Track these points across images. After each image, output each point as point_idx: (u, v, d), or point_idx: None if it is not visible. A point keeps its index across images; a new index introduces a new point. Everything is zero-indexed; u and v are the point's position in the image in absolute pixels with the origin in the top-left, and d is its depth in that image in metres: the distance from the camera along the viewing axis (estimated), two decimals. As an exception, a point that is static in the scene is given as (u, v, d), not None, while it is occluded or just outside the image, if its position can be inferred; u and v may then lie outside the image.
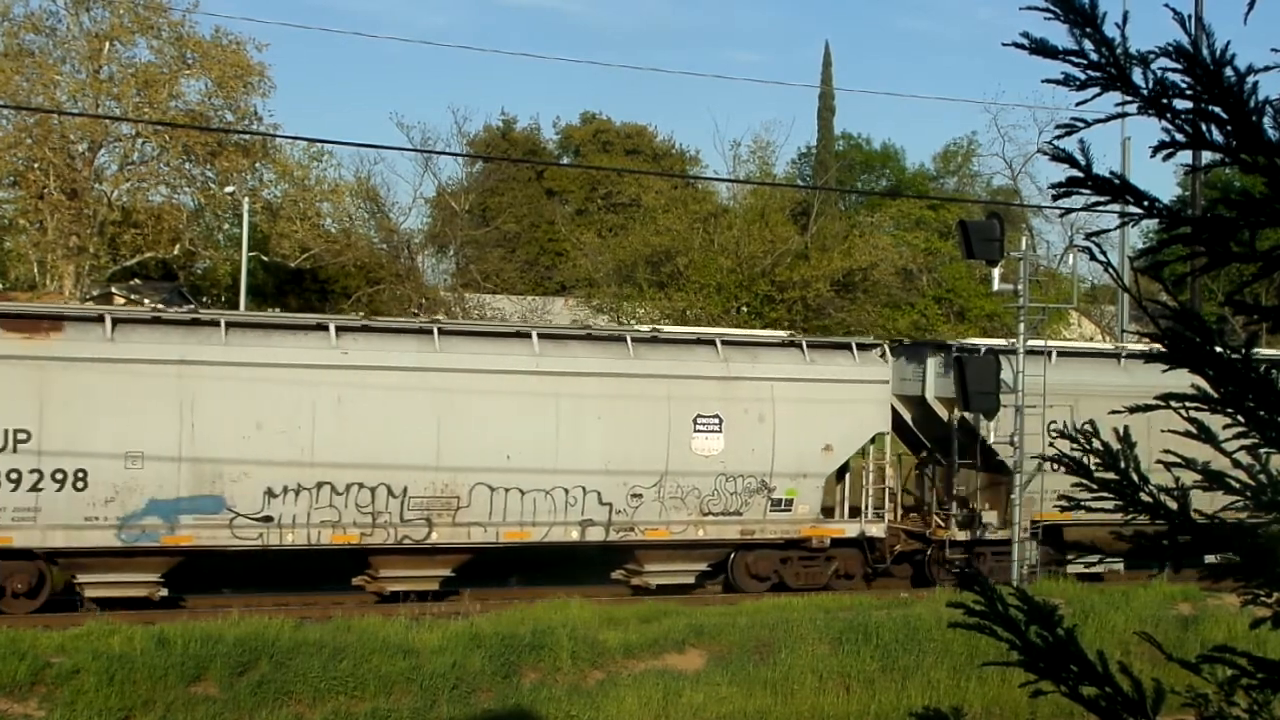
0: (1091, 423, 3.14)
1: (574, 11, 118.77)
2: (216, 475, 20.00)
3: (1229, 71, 2.61)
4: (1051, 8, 2.70)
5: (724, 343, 23.20)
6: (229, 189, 43.36)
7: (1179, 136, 2.69)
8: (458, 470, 21.04)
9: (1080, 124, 2.80)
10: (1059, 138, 2.80)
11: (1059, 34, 2.72)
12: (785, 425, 22.62)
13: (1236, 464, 2.81)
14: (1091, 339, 46.38)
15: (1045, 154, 2.90)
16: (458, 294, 49.61)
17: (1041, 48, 2.72)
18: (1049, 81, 2.76)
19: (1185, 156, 2.84)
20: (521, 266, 55.43)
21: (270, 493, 20.26)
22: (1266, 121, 2.62)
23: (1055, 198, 2.90)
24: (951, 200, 50.83)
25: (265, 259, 47.22)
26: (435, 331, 21.66)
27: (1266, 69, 2.68)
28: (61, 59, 42.28)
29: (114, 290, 43.94)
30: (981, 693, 17.71)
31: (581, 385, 21.68)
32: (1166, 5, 2.75)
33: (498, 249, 54.14)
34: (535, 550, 22.58)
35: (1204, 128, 2.66)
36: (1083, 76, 2.71)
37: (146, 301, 39.38)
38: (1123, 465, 2.92)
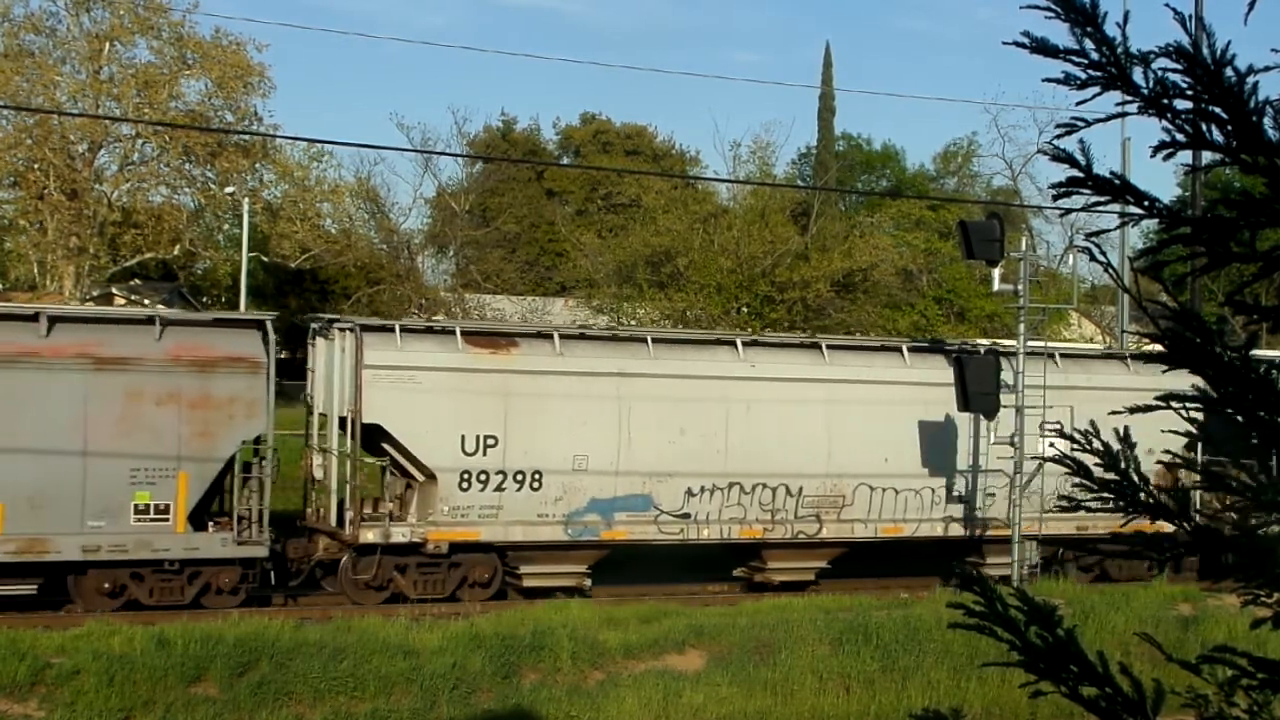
0: (1092, 423, 3.14)
1: (573, 11, 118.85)
2: (646, 476, 22.00)
3: (1229, 72, 2.61)
4: (1052, 7, 2.70)
5: (1063, 356, 24.93)
6: (229, 189, 43.38)
7: (1179, 136, 2.69)
8: (844, 473, 22.94)
9: (1080, 124, 2.80)
10: (1059, 137, 2.80)
11: (1059, 33, 2.72)
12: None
13: (1237, 464, 2.81)
14: (1091, 339, 46.39)
15: (1045, 154, 2.90)
16: (458, 294, 49.62)
17: (1042, 47, 2.72)
18: (1049, 81, 2.76)
19: (1185, 157, 2.84)
20: (521, 267, 55.47)
21: (690, 492, 22.20)
22: (1266, 122, 2.62)
23: (1055, 198, 2.90)
24: (951, 200, 50.84)
25: (265, 259, 47.26)
26: (823, 346, 23.67)
27: (1267, 69, 2.68)
28: (61, 59, 42.33)
29: (114, 290, 43.96)
30: (981, 693, 17.71)
31: (947, 394, 22.64)
32: (1167, 5, 2.75)
33: (498, 249, 54.18)
34: (906, 544, 23.90)
35: (1204, 128, 2.66)
36: (1083, 76, 2.71)
37: (147, 302, 39.42)
38: (1123, 465, 2.92)
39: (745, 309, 43.71)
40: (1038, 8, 2.72)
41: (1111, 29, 2.71)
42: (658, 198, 47.05)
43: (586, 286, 48.88)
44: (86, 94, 41.57)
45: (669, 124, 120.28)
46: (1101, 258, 2.99)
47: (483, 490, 20.98)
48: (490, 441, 20.97)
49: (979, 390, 22.08)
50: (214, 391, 19.84)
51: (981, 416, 22.92)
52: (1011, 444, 22.55)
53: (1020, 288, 23.28)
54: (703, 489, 22.24)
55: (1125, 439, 2.95)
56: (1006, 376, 22.92)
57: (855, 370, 23.29)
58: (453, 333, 21.57)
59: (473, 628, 17.93)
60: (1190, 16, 2.69)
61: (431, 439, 20.84)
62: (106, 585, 19.58)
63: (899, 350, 24.08)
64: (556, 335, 22.11)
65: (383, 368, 20.64)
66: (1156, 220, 2.80)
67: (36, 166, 40.80)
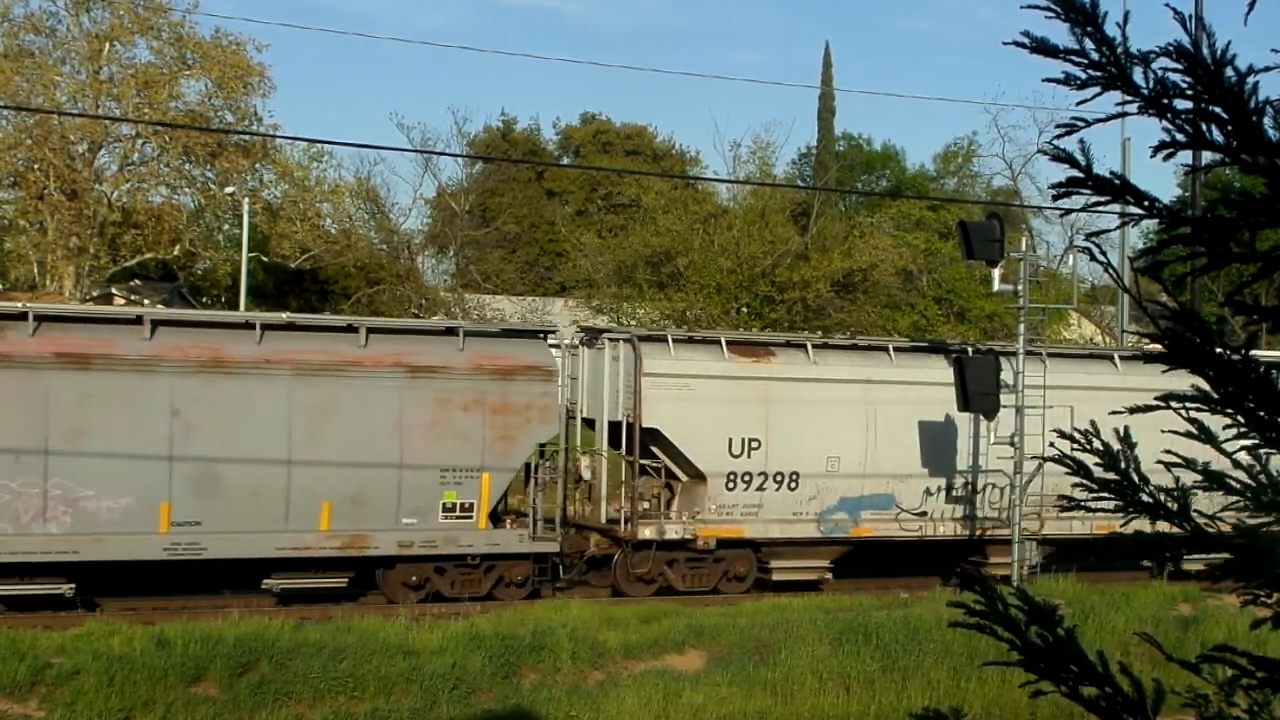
0: (1093, 423, 3.14)
1: (573, 11, 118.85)
2: (890, 477, 23.50)
3: (1229, 71, 2.61)
4: (1052, 7, 2.70)
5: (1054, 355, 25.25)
6: (229, 189, 43.36)
7: (1179, 136, 2.69)
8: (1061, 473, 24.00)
9: (1080, 124, 2.80)
10: (1059, 137, 2.80)
11: (1059, 33, 2.72)
12: None
13: (1236, 464, 2.81)
14: (1091, 339, 46.39)
15: (1045, 154, 2.90)
16: (457, 294, 49.61)
17: (1042, 47, 2.72)
18: (1049, 81, 2.76)
19: (1185, 157, 2.83)
20: (521, 267, 55.45)
21: (928, 491, 23.76)
22: (1267, 122, 2.62)
23: (1055, 198, 2.90)
24: (951, 201, 50.83)
25: (265, 259, 47.23)
26: (1044, 354, 24.34)
27: (1267, 69, 2.68)
28: (61, 59, 42.31)
29: (114, 291, 43.95)
30: (981, 693, 17.71)
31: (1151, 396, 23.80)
32: (1167, 5, 2.75)
33: (498, 249, 54.17)
34: (1115, 540, 25.08)
35: (1204, 128, 2.66)
36: (1083, 76, 2.71)
37: (147, 302, 39.42)
38: (1123, 465, 2.92)
39: (745, 309, 43.71)
40: (1038, 8, 2.72)
41: (1111, 29, 2.71)
42: (658, 198, 47.04)
43: (586, 286, 48.87)
44: (86, 94, 41.56)
45: (669, 124, 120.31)
46: (1101, 258, 2.99)
47: (745, 490, 22.60)
48: (754, 444, 22.58)
49: (979, 390, 22.08)
50: (512, 398, 21.26)
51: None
52: (1011, 443, 22.54)
53: (1020, 288, 23.29)
54: (939, 489, 23.76)
55: (1125, 439, 2.95)
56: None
57: (1074, 377, 24.01)
58: (717, 342, 23.28)
59: (472, 628, 17.93)
60: (1190, 16, 2.69)
61: (703, 442, 22.40)
62: (413, 578, 21.08)
63: (1110, 358, 25.18)
64: (809, 345, 23.68)
65: (660, 376, 22.19)
66: (1156, 220, 2.80)
67: (36, 166, 40.78)
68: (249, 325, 20.71)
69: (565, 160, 66.14)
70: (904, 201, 53.96)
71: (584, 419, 23.79)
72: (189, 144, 42.04)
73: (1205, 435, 2.87)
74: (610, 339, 23.42)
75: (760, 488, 22.66)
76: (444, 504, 20.85)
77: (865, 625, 18.90)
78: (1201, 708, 3.07)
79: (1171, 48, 2.64)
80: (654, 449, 22.63)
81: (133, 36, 42.19)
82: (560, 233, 53.90)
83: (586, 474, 23.61)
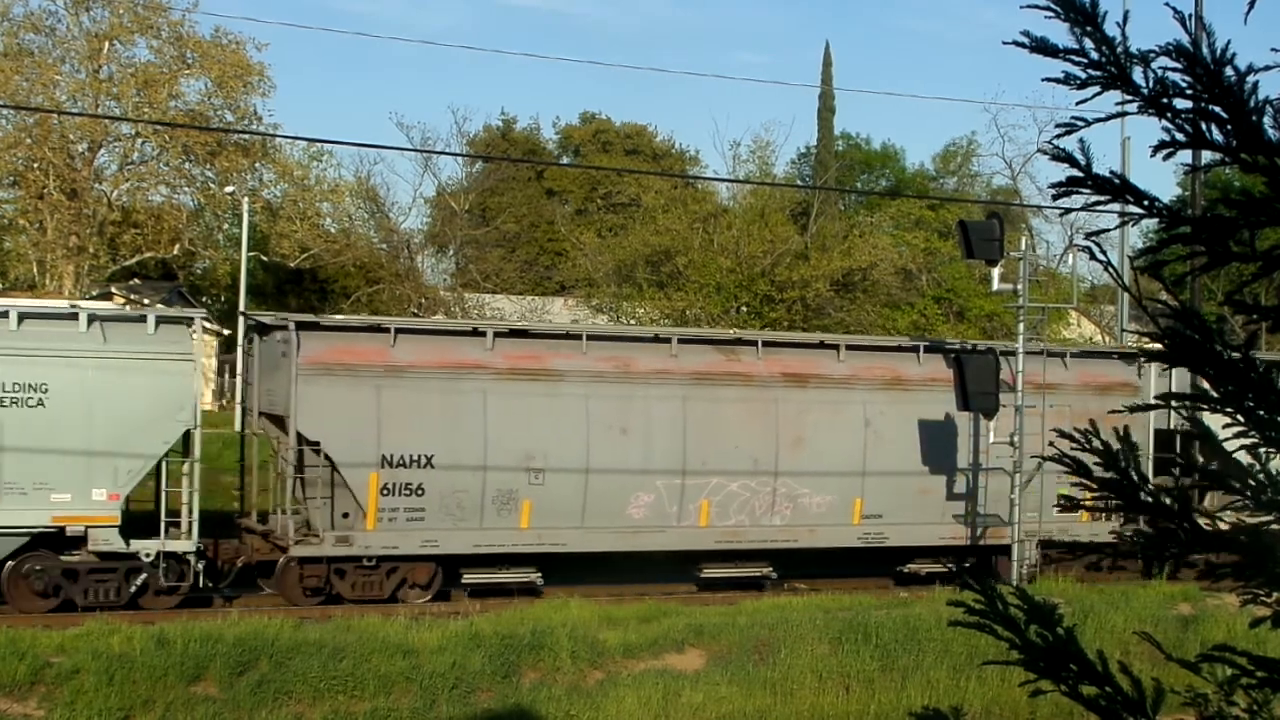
0: (1092, 422, 3.14)
1: (574, 11, 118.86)
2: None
3: (1229, 71, 2.61)
4: (1052, 6, 2.70)
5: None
6: (229, 189, 43.36)
7: (1179, 136, 2.69)
8: None
9: (1080, 123, 2.80)
10: (1059, 137, 2.80)
11: (1059, 33, 2.72)
12: None
13: (1236, 464, 2.81)
14: (1091, 339, 46.39)
15: (1045, 153, 2.90)
16: (457, 294, 49.62)
17: (1042, 46, 2.72)
18: (1049, 80, 2.75)
19: (1185, 156, 2.83)
20: (521, 266, 55.44)
21: None
22: (1266, 121, 2.62)
23: (1055, 197, 2.90)
24: (951, 200, 50.83)
25: (265, 259, 47.24)
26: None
27: (1267, 69, 2.68)
28: (61, 59, 42.33)
29: (114, 290, 43.95)
30: (981, 692, 17.70)
31: None
32: (1167, 4, 2.75)
33: (497, 249, 54.17)
34: None
35: (1204, 127, 2.66)
36: (1083, 75, 2.71)
37: (147, 301, 39.42)
38: (1123, 464, 2.92)
39: (745, 308, 43.71)
40: (1038, 7, 2.72)
41: (1111, 28, 2.71)
42: (657, 197, 47.05)
43: (586, 286, 48.88)
44: (86, 93, 41.56)
45: (669, 124, 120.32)
46: (1101, 257, 2.99)
47: None
48: None
49: (979, 389, 22.08)
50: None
51: None
52: (1011, 443, 22.55)
53: (1020, 287, 23.27)
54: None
55: (1125, 438, 2.95)
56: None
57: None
58: None
59: (472, 627, 17.91)
60: (1190, 16, 2.69)
61: None
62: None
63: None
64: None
65: None
66: (1156, 220, 2.80)
67: (36, 166, 40.78)
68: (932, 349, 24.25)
69: (565, 160, 66.13)
70: (903, 201, 53.97)
71: None
72: (189, 143, 42.03)
73: (1204, 434, 2.87)
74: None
75: None
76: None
77: (865, 624, 18.88)
78: (1201, 707, 3.07)
79: (1171, 47, 2.64)
80: None
81: (132, 36, 42.20)
82: (560, 232, 53.91)
83: None
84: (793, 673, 17.79)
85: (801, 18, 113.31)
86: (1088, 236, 4.61)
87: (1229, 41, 2.62)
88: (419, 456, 20.68)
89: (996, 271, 24.94)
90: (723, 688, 17.41)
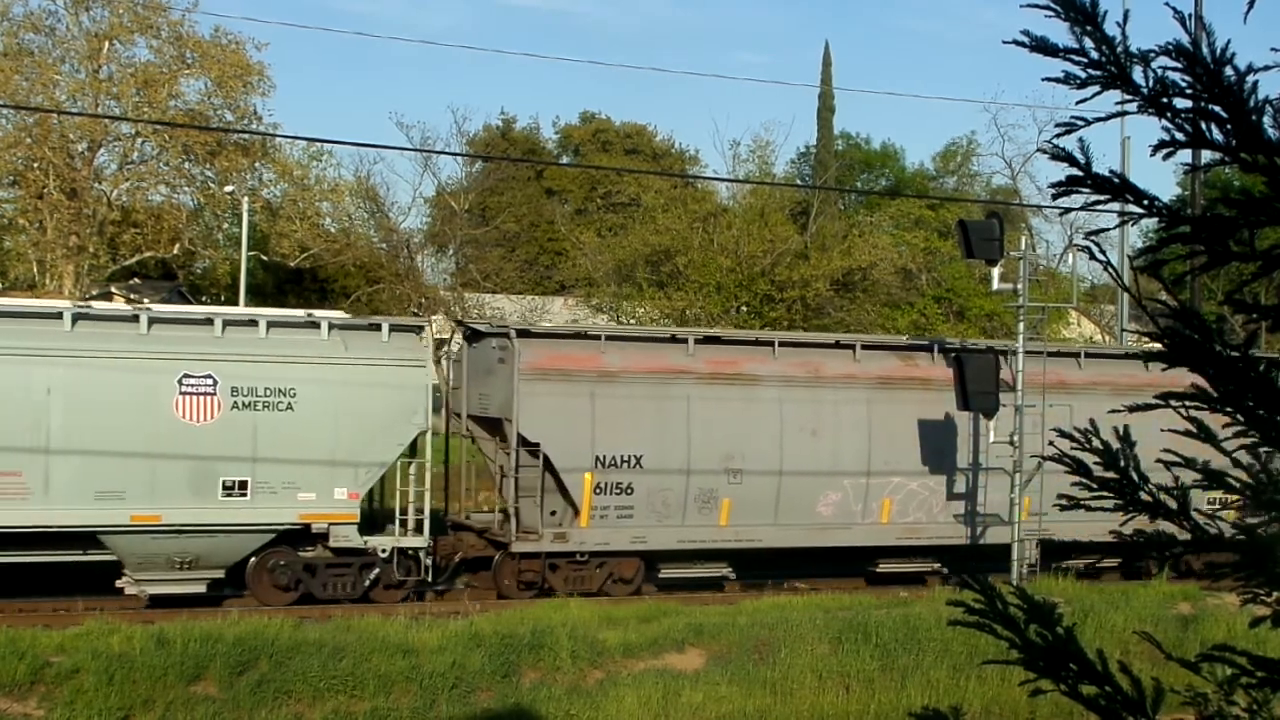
0: (1092, 421, 3.14)
1: (574, 11, 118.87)
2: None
3: (1229, 70, 2.61)
4: (1052, 6, 2.70)
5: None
6: (229, 188, 43.35)
7: (1179, 135, 2.69)
8: None
9: (1080, 123, 2.80)
10: (1059, 136, 2.80)
11: (1059, 32, 2.72)
12: None
13: (1236, 463, 2.81)
14: (1091, 338, 46.40)
15: (1045, 153, 2.90)
16: (457, 294, 49.60)
17: (1042, 46, 2.72)
18: (1049, 80, 2.76)
19: (1185, 155, 2.83)
20: (521, 266, 55.40)
21: None
22: (1266, 121, 2.62)
23: (1055, 197, 2.90)
24: (951, 200, 50.81)
25: (265, 259, 47.21)
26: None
27: (1266, 68, 2.68)
28: (61, 58, 42.27)
29: (114, 290, 43.93)
30: (981, 692, 17.70)
31: None
32: (1167, 4, 2.75)
33: (497, 249, 54.13)
34: None
35: (1204, 127, 2.66)
36: (1083, 75, 2.71)
37: (146, 301, 39.42)
38: (1122, 464, 2.92)
39: (745, 308, 43.70)
40: (1037, 7, 2.72)
41: (1111, 28, 2.71)
42: (657, 197, 47.03)
43: (586, 285, 48.87)
44: (86, 93, 41.53)
45: (669, 124, 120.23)
46: (1101, 256, 2.99)
47: None
48: None
49: (979, 389, 22.08)
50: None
51: None
52: (1011, 443, 22.56)
53: (1020, 287, 23.26)
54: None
55: (1125, 438, 2.95)
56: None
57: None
58: None
59: (472, 627, 17.92)
60: (1190, 15, 2.69)
61: None
62: None
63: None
64: None
65: None
66: (1156, 219, 2.80)
67: (36, 166, 40.75)
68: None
69: (565, 159, 66.11)
70: (903, 200, 53.95)
71: None
72: (188, 143, 42.00)
73: (1205, 434, 2.87)
74: None
75: None
76: None
77: (864, 624, 18.88)
78: (1201, 706, 3.07)
79: (1171, 46, 2.64)
80: None
81: (132, 35, 42.15)
82: (560, 232, 53.88)
83: None
84: (793, 672, 17.79)
85: (801, 18, 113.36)
86: (1088, 236, 4.61)
87: (1229, 41, 2.62)
88: (630, 457, 21.85)
89: (996, 271, 24.92)
90: (723, 687, 17.41)
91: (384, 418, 20.63)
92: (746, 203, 47.10)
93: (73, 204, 40.59)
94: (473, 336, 23.12)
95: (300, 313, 22.17)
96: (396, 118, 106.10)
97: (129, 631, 16.67)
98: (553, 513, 21.84)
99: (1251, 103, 2.61)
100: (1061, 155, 2.76)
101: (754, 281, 43.41)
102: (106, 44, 41.71)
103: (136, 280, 46.92)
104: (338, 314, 22.91)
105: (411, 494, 21.16)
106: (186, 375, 19.75)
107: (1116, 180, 2.77)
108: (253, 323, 20.46)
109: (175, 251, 44.02)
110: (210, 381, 19.86)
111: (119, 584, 20.38)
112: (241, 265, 43.61)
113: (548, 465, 21.49)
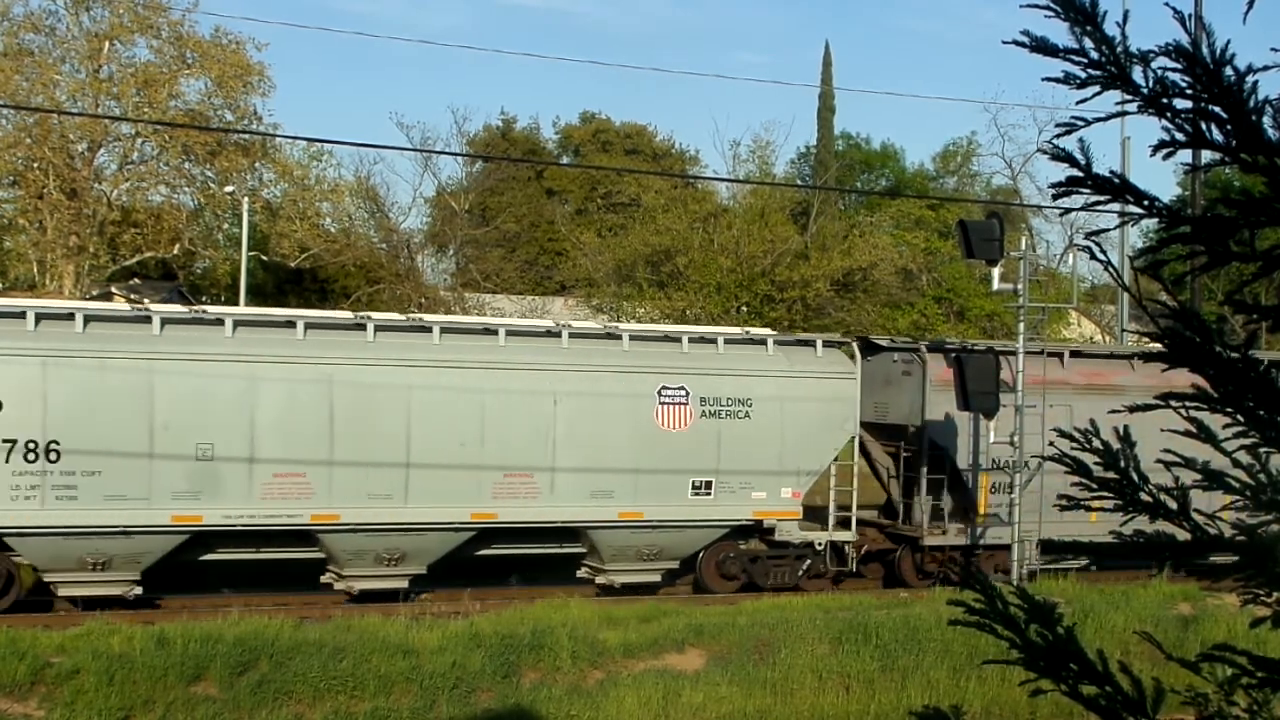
0: (1092, 421, 3.14)
1: (574, 11, 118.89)
2: None
3: (1229, 71, 2.61)
4: (1052, 6, 2.70)
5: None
6: (229, 189, 43.36)
7: (1179, 136, 2.69)
8: None
9: (1080, 123, 2.80)
10: (1059, 137, 2.80)
11: (1059, 32, 2.72)
12: None
13: (1236, 463, 2.81)
14: (1091, 339, 46.41)
15: (1045, 153, 2.90)
16: (457, 294, 49.62)
17: (1042, 46, 2.72)
18: (1049, 80, 2.76)
19: (1185, 156, 2.83)
20: (521, 266, 55.43)
21: None
22: (1266, 121, 2.62)
23: (1055, 197, 2.90)
24: (951, 200, 50.83)
25: (265, 259, 47.23)
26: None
27: (1266, 68, 2.68)
28: (61, 59, 42.29)
29: (114, 290, 43.94)
30: (981, 692, 17.70)
31: None
32: (1167, 4, 2.75)
33: (497, 249, 54.16)
34: None
35: (1204, 127, 2.66)
36: (1083, 75, 2.71)
37: (146, 301, 39.40)
38: (1123, 464, 2.92)
39: (745, 308, 43.72)
40: (1037, 7, 2.72)
41: (1111, 28, 2.71)
42: (657, 197, 47.06)
43: (586, 286, 48.90)
44: (86, 93, 41.54)
45: (669, 124, 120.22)
46: (1101, 257, 2.99)
47: None
48: None
49: (979, 389, 22.10)
50: None
51: None
52: (1011, 443, 22.57)
53: (1020, 287, 23.26)
54: None
55: (1125, 438, 2.95)
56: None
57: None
58: None
59: (472, 627, 17.91)
60: (1190, 15, 2.69)
61: None
62: None
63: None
64: None
65: None
66: (1156, 219, 2.80)
67: (36, 166, 40.76)
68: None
69: (565, 160, 66.11)
70: (903, 201, 53.98)
71: None
72: (189, 143, 42.02)
73: (1205, 434, 2.87)
74: None
75: None
76: None
77: (865, 624, 18.88)
78: (1201, 706, 3.07)
79: (1171, 47, 2.64)
80: None
81: (132, 35, 42.17)
82: (560, 232, 53.91)
83: None
84: (793, 673, 17.79)
85: (801, 18, 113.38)
86: (1088, 236, 4.61)
87: (1229, 41, 2.62)
88: (1015, 462, 23.11)
89: (996, 271, 24.92)
90: (723, 688, 17.41)
91: (821, 424, 22.63)
92: (747, 203, 47.13)
93: (73, 204, 40.60)
94: (869, 348, 24.55)
95: (737, 330, 24.31)
96: (396, 118, 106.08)
97: (129, 632, 16.67)
98: (950, 511, 23.94)
99: (1251, 103, 2.61)
100: (1061, 155, 2.76)
101: (754, 282, 43.44)
102: (106, 44, 41.73)
103: (136, 280, 46.92)
104: (768, 331, 25.12)
105: (834, 493, 23.35)
106: (664, 387, 21.91)
107: (1117, 180, 2.77)
108: (711, 340, 22.61)
109: (175, 252, 44.03)
110: (683, 393, 22.04)
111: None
112: (242, 265, 43.62)
113: (951, 467, 23.62)
